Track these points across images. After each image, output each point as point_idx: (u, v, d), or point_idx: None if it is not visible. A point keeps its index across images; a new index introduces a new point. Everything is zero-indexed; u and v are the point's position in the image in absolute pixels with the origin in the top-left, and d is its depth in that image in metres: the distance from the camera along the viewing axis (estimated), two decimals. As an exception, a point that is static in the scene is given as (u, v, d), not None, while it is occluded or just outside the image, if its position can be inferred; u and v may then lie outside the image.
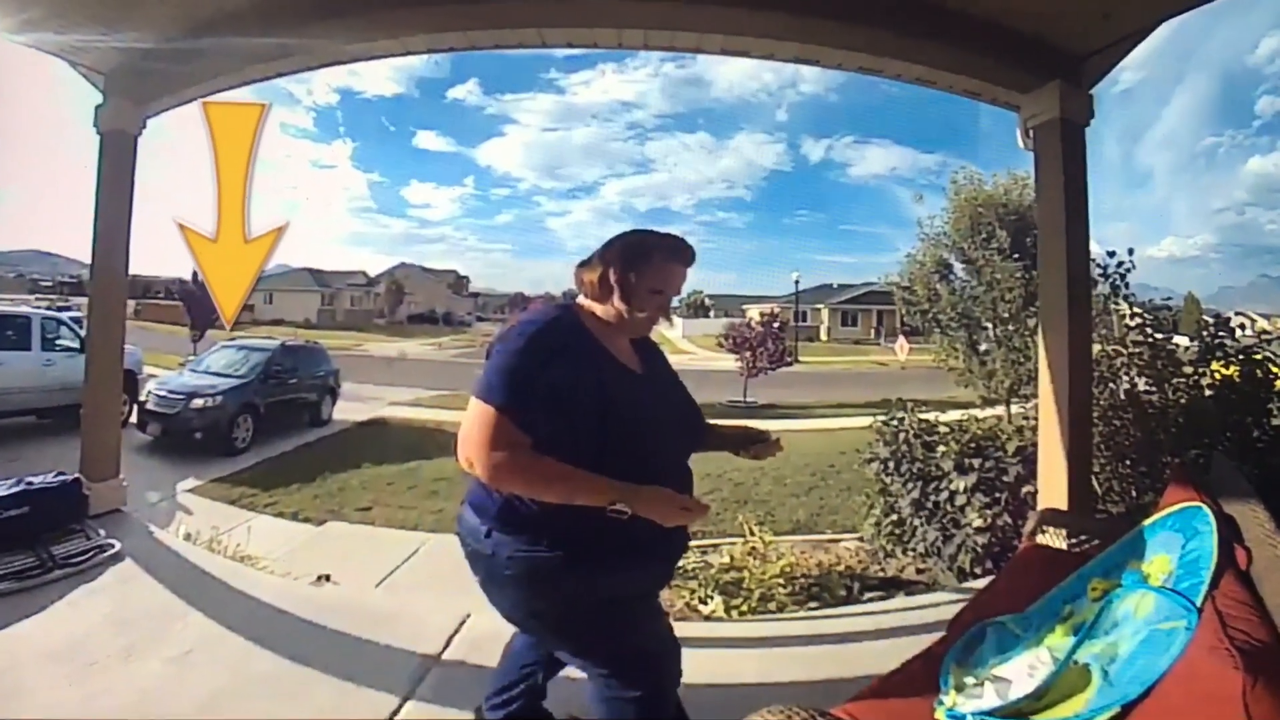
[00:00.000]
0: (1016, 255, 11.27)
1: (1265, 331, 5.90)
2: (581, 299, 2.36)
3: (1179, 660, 1.76)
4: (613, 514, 2.02)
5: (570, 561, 2.10)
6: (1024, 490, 5.45)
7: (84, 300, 6.65)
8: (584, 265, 2.35)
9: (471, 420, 2.05)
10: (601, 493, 2.03)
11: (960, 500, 5.69)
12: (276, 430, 14.62)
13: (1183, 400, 5.36)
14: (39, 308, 16.15)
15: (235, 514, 9.53)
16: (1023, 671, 2.09)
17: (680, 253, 2.34)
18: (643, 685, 2.25)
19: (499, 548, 2.15)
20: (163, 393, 13.48)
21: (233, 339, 17.26)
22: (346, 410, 17.77)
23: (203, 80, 5.34)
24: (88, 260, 5.48)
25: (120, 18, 4.71)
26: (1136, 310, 5.94)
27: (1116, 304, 6.22)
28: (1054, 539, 3.47)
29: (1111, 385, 5.67)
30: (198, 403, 13.20)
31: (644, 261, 2.26)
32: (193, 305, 38.08)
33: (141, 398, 13.67)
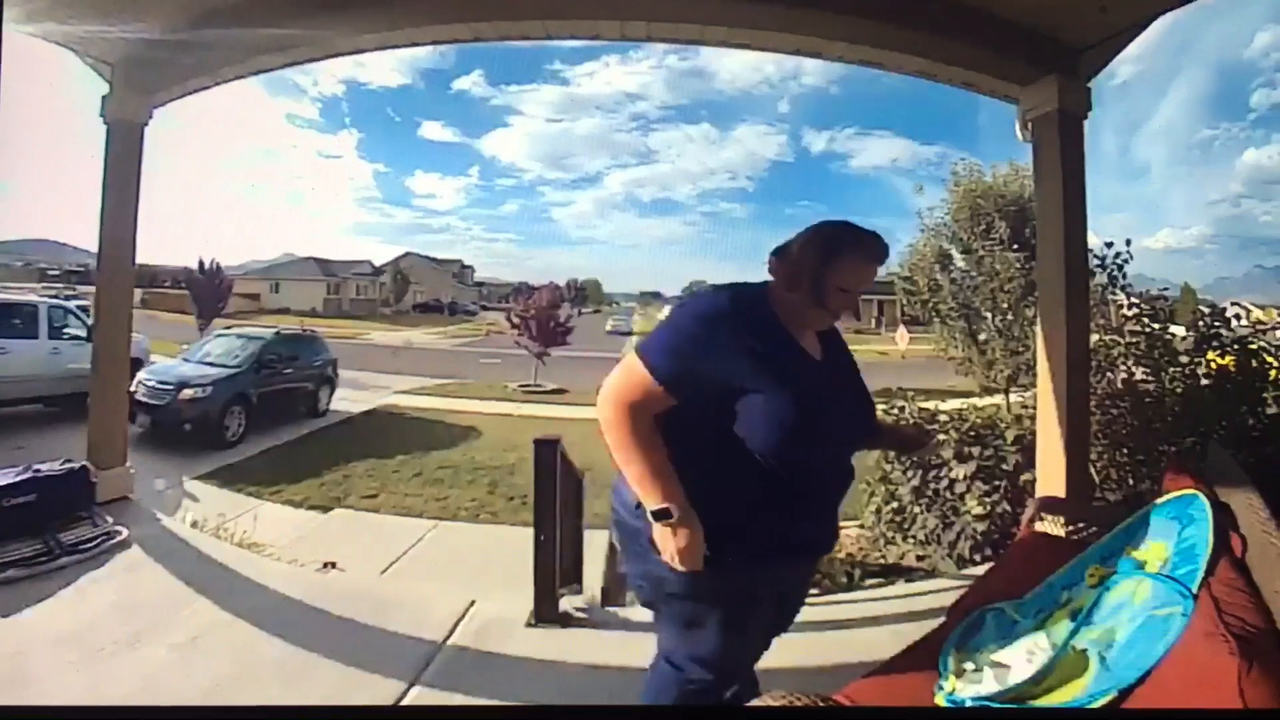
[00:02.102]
0: (1016, 246, 11.25)
1: (1260, 322, 5.93)
2: (770, 273, 2.30)
3: (1175, 646, 1.78)
4: (653, 512, 2.05)
5: (717, 546, 2.10)
6: (1022, 478, 5.48)
7: (91, 289, 6.66)
8: (778, 253, 2.28)
9: (620, 367, 2.12)
10: (654, 495, 2.05)
11: (960, 488, 5.72)
12: (271, 422, 14.00)
13: (1179, 389, 5.38)
14: (46, 296, 16.14)
15: (241, 501, 9.56)
16: (1021, 657, 2.11)
17: (874, 252, 2.25)
18: (715, 673, 2.28)
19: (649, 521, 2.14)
20: (152, 383, 12.70)
21: (229, 327, 17.00)
22: (353, 398, 17.74)
23: (210, 71, 5.37)
24: (95, 249, 5.51)
25: (127, 8, 4.73)
26: (1134, 300, 5.96)
27: (1114, 294, 6.24)
28: (1052, 526, 3.48)
29: (1109, 374, 5.69)
30: (187, 393, 12.55)
31: (835, 258, 2.19)
32: (199, 294, 38.08)
33: (131, 387, 12.92)
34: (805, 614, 2.57)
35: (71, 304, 13.90)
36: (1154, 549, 2.30)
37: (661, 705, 2.36)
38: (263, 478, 10.86)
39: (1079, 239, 4.73)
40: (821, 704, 1.88)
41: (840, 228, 2.24)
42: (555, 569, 4.14)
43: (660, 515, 2.04)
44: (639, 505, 2.16)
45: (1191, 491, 2.40)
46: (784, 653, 2.49)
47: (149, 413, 12.28)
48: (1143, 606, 1.99)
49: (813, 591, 5.21)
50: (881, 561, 6.20)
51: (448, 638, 3.80)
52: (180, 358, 15.21)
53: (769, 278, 2.27)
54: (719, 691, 2.30)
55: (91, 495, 5.09)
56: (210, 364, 14.00)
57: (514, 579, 4.29)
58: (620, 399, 2.07)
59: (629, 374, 2.08)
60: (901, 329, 32.00)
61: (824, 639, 3.83)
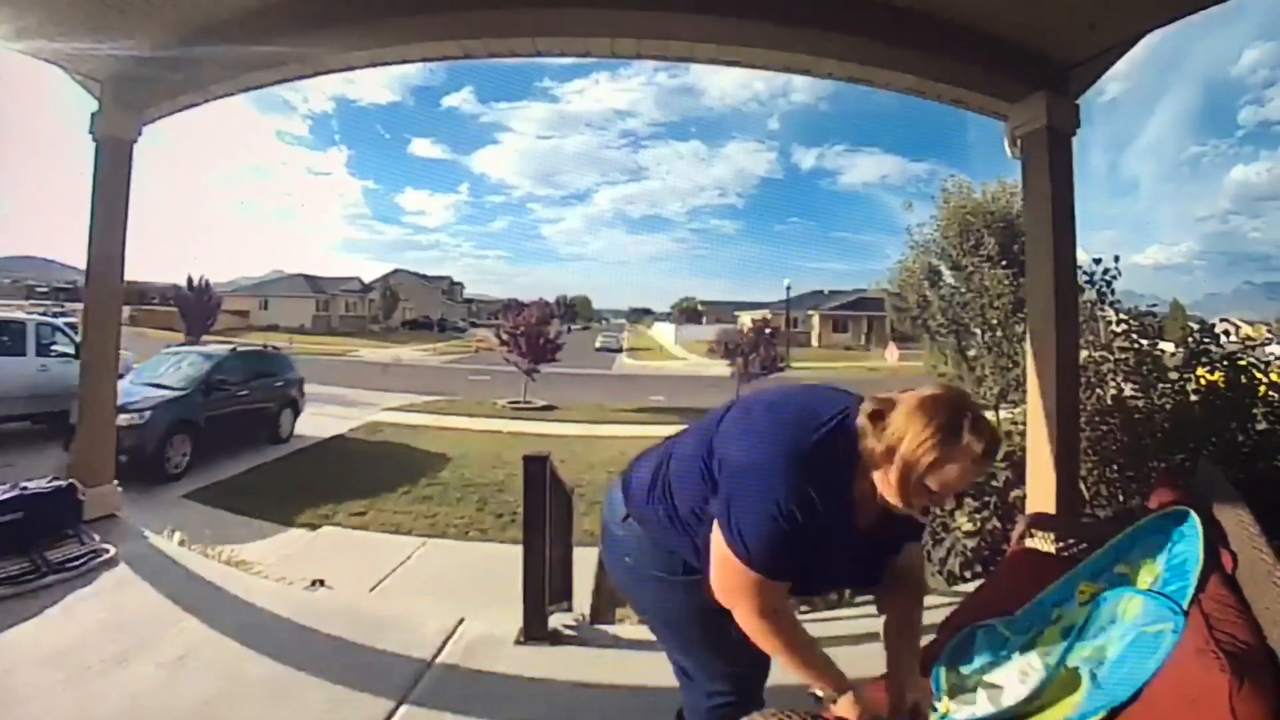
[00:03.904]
0: (1005, 262, 11.26)
1: (1249, 338, 5.95)
2: (860, 424, 1.95)
3: (1166, 663, 1.78)
4: (810, 694, 2.07)
5: (686, 570, 2.16)
6: (1012, 495, 5.49)
7: (79, 306, 6.67)
8: (875, 417, 1.92)
9: (734, 578, 1.96)
10: (826, 681, 2.02)
11: (950, 505, 5.71)
12: (222, 451, 12.82)
13: (1168, 405, 5.39)
14: (34, 313, 16.09)
15: (230, 519, 9.54)
16: (1014, 678, 2.10)
17: (986, 459, 1.90)
18: (733, 684, 2.31)
19: (629, 533, 2.26)
20: None
21: (185, 344, 15.70)
22: (341, 415, 17.77)
23: (199, 88, 5.39)
24: (83, 266, 5.51)
25: (117, 26, 4.73)
26: (1122, 316, 5.98)
27: (1103, 310, 6.26)
28: (1042, 543, 3.49)
29: (1098, 390, 5.71)
30: (122, 419, 9.89)
31: (943, 463, 1.85)
32: (187, 311, 38.24)
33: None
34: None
35: (59, 321, 13.87)
36: (1144, 565, 2.30)
37: None
38: (251, 494, 10.81)
39: (1068, 255, 4.74)
40: (811, 722, 1.87)
41: (959, 421, 1.88)
42: (544, 586, 4.13)
43: (826, 699, 2.03)
44: (626, 518, 2.25)
45: (1182, 508, 2.40)
46: (774, 670, 2.48)
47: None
48: (1133, 623, 1.98)
49: (802, 609, 5.20)
50: (872, 578, 6.18)
51: (436, 655, 3.79)
52: (128, 378, 13.02)
53: (857, 419, 1.97)
54: (742, 705, 2.29)
55: (79, 513, 5.09)
56: (155, 385, 12.68)
57: (503, 596, 4.29)
58: (761, 610, 1.96)
59: (746, 584, 1.94)
60: (891, 346, 32.18)
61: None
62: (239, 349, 15.43)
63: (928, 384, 2.04)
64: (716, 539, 1.97)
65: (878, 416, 1.93)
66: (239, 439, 13.59)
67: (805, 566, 2.00)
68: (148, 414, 11.35)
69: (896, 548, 2.22)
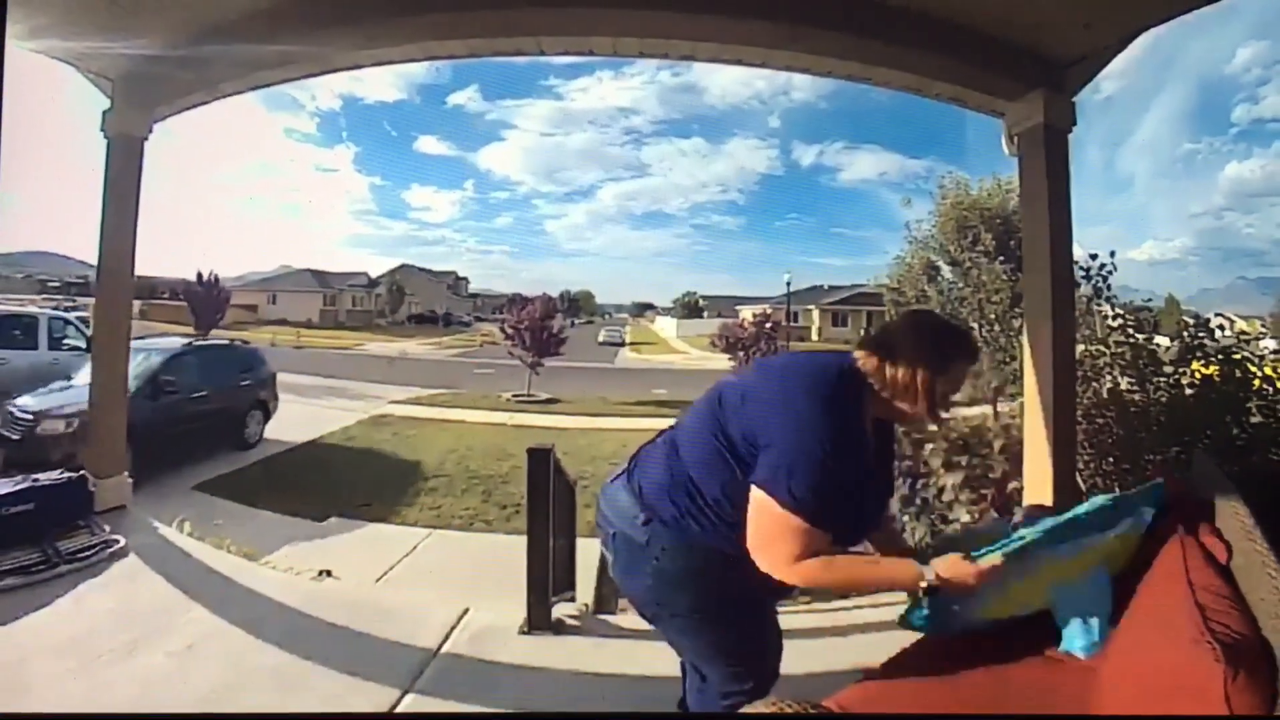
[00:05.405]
0: (1002, 258, 11.28)
1: (1244, 332, 5.93)
2: (863, 367, 2.17)
3: (1163, 653, 1.83)
4: (924, 592, 2.07)
5: (722, 567, 2.13)
6: (1010, 487, 5.51)
7: (91, 300, 6.68)
8: (884, 351, 2.16)
9: (770, 527, 1.99)
10: (909, 576, 2.04)
11: (948, 496, 5.76)
12: (171, 460, 10.74)
13: (1164, 399, 5.41)
14: (47, 307, 16.11)
15: (238, 510, 9.62)
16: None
17: (976, 355, 2.31)
18: (751, 681, 2.27)
19: (655, 538, 2.17)
20: (14, 410, 9.88)
21: (148, 336, 13.42)
22: (348, 408, 17.81)
23: (209, 86, 5.44)
24: (95, 261, 5.56)
25: (128, 25, 4.77)
26: (1118, 311, 6.00)
27: (1099, 305, 6.27)
28: (1038, 534, 3.52)
29: (1094, 384, 5.73)
30: (48, 426, 9.49)
31: (950, 366, 2.16)
32: (197, 305, 38.30)
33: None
34: (796, 621, 2.61)
35: (71, 315, 13.91)
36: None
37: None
38: (259, 486, 10.87)
39: (1064, 251, 4.77)
40: (812, 711, 1.89)
41: (947, 334, 2.25)
42: (548, 577, 4.18)
43: (934, 591, 2.05)
44: (649, 520, 2.20)
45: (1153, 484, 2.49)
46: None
47: (4, 447, 9.60)
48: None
49: (802, 599, 5.25)
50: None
51: (442, 645, 3.84)
52: (76, 379, 10.77)
53: (858, 361, 2.19)
54: (761, 694, 2.31)
55: (90, 504, 5.16)
56: None
57: (507, 587, 4.34)
58: (799, 559, 1.97)
59: (787, 530, 1.97)
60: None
61: (814, 645, 3.85)
62: (196, 344, 13.70)
63: (899, 320, 2.37)
64: (757, 495, 2.00)
65: (882, 354, 2.16)
66: (196, 446, 11.88)
67: (849, 510, 2.07)
68: (76, 421, 9.16)
69: (890, 489, 2.44)
